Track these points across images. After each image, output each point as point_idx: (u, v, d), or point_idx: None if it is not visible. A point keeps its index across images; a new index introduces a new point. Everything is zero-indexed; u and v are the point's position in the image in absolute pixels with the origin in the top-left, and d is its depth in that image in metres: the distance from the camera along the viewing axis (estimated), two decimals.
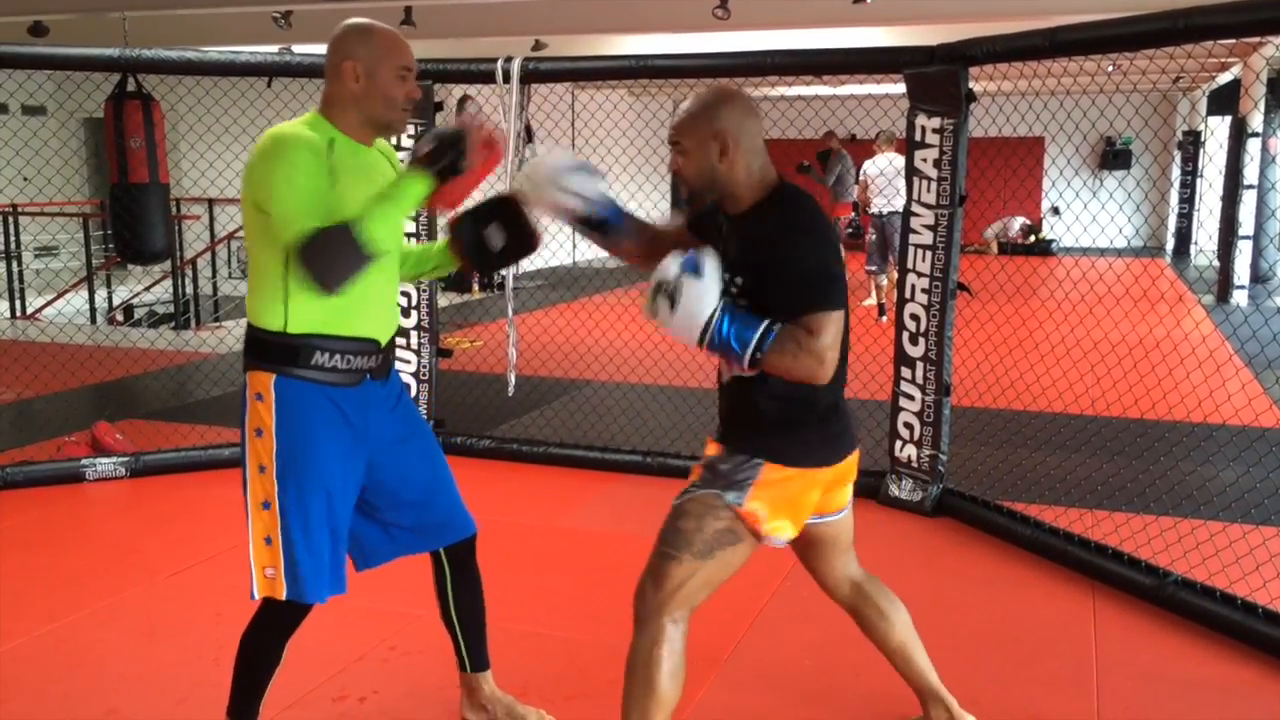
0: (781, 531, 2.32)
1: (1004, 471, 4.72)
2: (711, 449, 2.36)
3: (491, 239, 2.42)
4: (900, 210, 9.32)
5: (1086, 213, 14.60)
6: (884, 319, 9.33)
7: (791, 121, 7.41)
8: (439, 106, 5.14)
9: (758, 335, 2.14)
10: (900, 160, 9.34)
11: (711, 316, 2.15)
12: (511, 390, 5.14)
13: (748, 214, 2.28)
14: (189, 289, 10.30)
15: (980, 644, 3.27)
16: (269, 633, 2.43)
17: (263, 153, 2.22)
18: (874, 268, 9.49)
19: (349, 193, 2.24)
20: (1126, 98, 7.51)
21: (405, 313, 5.21)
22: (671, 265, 2.18)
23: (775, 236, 2.21)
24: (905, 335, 4.44)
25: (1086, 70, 4.03)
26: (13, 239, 9.94)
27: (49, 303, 9.95)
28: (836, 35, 8.91)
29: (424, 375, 5.27)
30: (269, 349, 2.30)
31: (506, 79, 4.86)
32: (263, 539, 2.35)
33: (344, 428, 2.35)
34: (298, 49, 8.01)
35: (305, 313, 2.28)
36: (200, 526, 4.17)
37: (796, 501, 2.33)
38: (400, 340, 5.23)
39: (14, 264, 9.97)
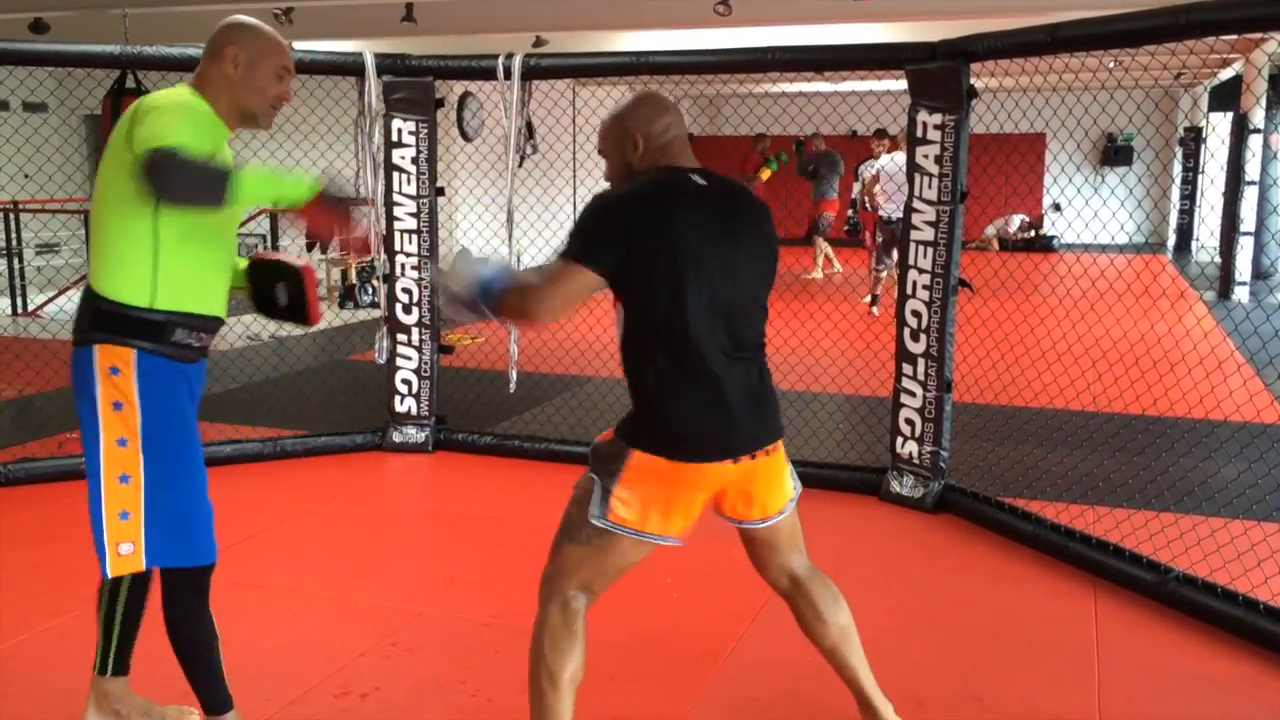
0: (661, 530, 2.28)
1: (1005, 468, 4.72)
2: (604, 434, 2.41)
3: (279, 296, 2.55)
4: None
5: (1088, 209, 14.59)
6: (875, 310, 9.36)
7: (793, 118, 7.41)
8: (440, 103, 5.13)
9: (491, 289, 2.21)
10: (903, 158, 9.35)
11: (470, 284, 2.22)
12: (513, 387, 5.14)
13: None
14: None
15: (981, 640, 3.27)
16: (191, 605, 2.44)
17: (154, 109, 2.22)
18: (882, 266, 9.49)
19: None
20: (1128, 94, 7.50)
21: (407, 309, 5.22)
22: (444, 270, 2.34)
23: None
24: (907, 332, 4.43)
25: (1088, 66, 4.03)
26: (14, 236, 9.94)
27: (50, 300, 9.94)
28: (838, 31, 8.90)
29: (425, 371, 5.27)
30: (128, 324, 2.28)
31: (508, 75, 4.86)
32: (117, 514, 2.31)
33: (190, 401, 2.40)
34: (298, 45, 8.01)
35: (173, 290, 2.29)
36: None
37: (671, 498, 2.27)
38: (401, 336, 5.23)
39: (15, 261, 9.97)
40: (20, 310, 9.84)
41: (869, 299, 9.91)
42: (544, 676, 2.29)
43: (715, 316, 2.24)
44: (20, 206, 10.17)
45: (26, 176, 10.82)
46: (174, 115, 2.21)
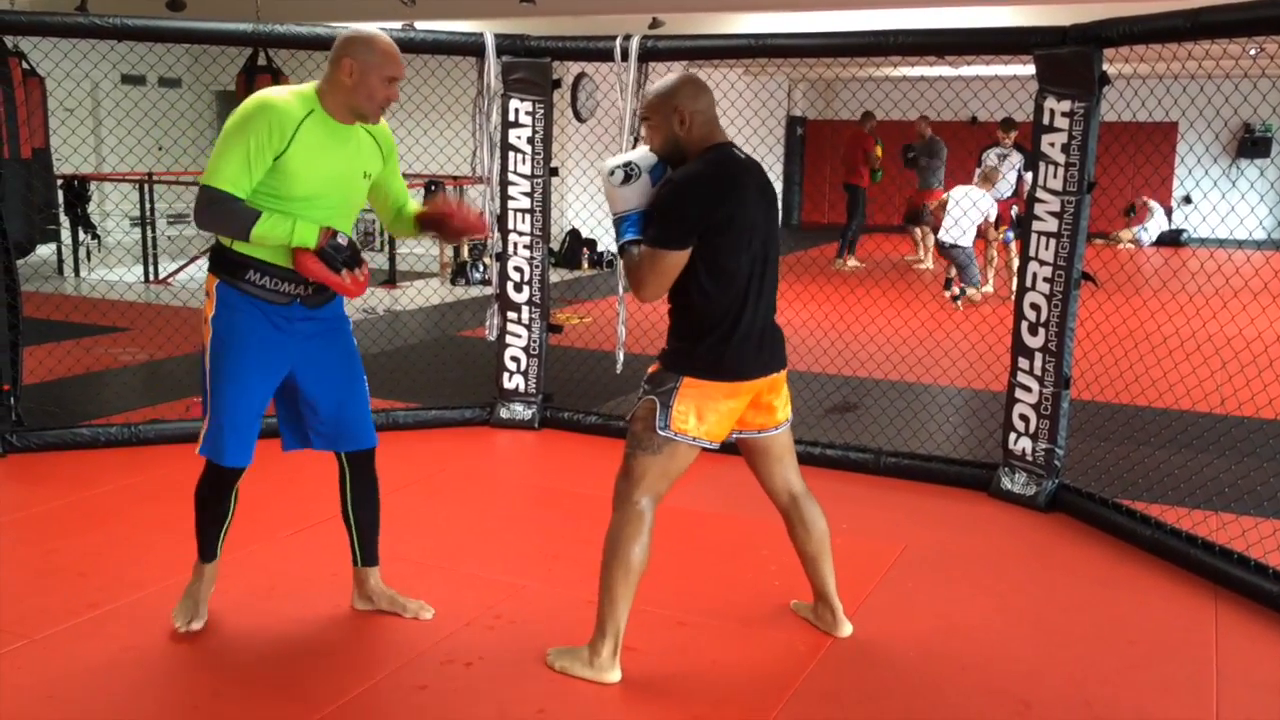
0: (706, 434, 2.81)
1: (1124, 469, 4.56)
2: (653, 367, 2.88)
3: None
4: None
5: (1224, 202, 13.94)
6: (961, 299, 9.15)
7: (913, 103, 7.25)
8: (557, 84, 5.16)
9: (625, 239, 2.77)
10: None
11: (632, 209, 2.77)
12: (620, 367, 5.17)
13: None
14: None
15: (1093, 643, 3.17)
16: (208, 488, 3.03)
17: (233, 121, 2.77)
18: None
19: (303, 154, 2.78)
20: (1273, 83, 7.11)
21: (518, 288, 5.29)
22: (647, 160, 2.79)
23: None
24: (1024, 325, 4.31)
25: (1228, 53, 3.85)
26: (148, 206, 10.38)
27: (180, 268, 10.36)
28: (961, 14, 8.65)
29: (534, 350, 5.34)
30: (219, 260, 2.90)
31: (624, 57, 4.87)
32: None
33: (269, 330, 2.89)
34: (421, 25, 8.16)
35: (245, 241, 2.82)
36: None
37: (713, 409, 2.79)
38: (512, 314, 5.31)
39: (148, 230, 10.42)
40: (152, 278, 10.29)
41: (988, 289, 9.63)
42: (619, 566, 2.80)
43: (754, 270, 2.79)
44: (154, 178, 10.61)
45: (162, 149, 11.30)
46: (235, 140, 2.74)
